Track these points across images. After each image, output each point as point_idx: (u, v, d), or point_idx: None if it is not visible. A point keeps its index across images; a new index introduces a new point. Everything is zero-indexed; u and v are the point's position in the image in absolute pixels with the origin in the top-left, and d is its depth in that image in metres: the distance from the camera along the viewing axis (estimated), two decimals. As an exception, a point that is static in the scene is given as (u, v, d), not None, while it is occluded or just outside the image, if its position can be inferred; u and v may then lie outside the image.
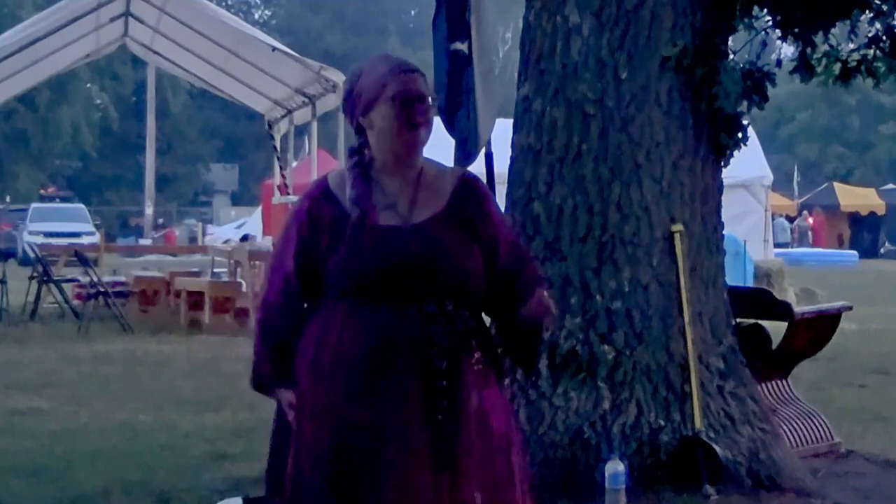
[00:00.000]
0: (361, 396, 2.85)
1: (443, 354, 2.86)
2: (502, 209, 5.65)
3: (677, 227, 5.57)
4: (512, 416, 3.12)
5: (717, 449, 5.32)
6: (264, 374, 3.11)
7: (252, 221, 29.56)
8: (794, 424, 6.44)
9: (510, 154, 5.89)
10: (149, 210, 23.48)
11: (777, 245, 27.47)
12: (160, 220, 34.48)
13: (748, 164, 19.09)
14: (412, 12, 62.00)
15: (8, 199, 42.16)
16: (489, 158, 6.04)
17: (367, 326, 2.88)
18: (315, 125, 17.10)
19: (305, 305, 3.03)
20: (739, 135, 5.82)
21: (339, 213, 2.97)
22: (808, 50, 5.95)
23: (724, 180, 5.99)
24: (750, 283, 14.82)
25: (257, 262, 14.74)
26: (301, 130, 19.91)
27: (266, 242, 15.66)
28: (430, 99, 3.02)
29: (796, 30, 5.89)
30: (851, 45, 6.20)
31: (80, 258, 14.20)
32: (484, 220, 3.02)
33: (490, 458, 2.93)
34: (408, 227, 2.94)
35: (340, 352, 2.88)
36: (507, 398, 3.13)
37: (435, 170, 3.07)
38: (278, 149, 18.42)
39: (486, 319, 3.11)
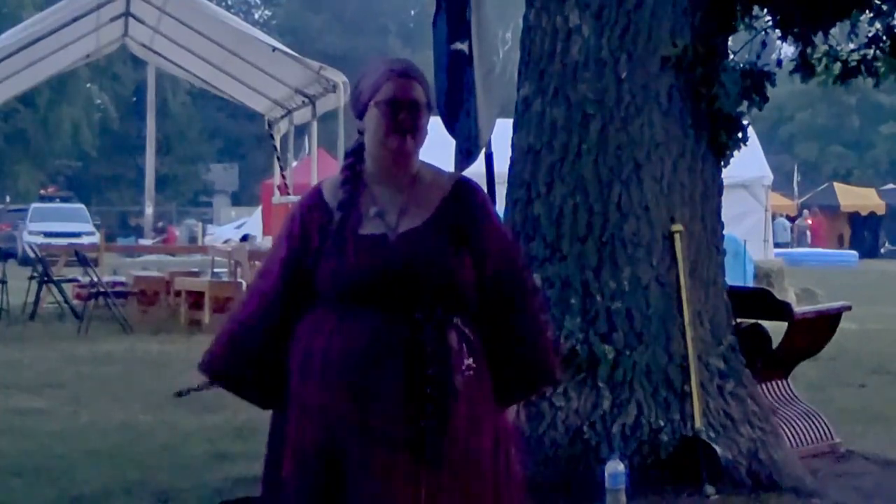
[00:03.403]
0: (349, 400, 2.84)
1: (429, 361, 2.84)
2: (503, 209, 5.71)
3: (677, 227, 5.57)
4: (507, 423, 3.06)
5: (717, 449, 5.32)
6: (220, 370, 3.13)
7: (252, 221, 29.54)
8: (794, 424, 6.44)
9: (510, 154, 5.89)
10: (149, 210, 23.52)
11: (777, 245, 27.48)
12: (160, 223, 34.43)
13: (748, 164, 19.10)
14: (412, 12, 61.98)
15: (8, 199, 42.16)
16: (489, 158, 6.05)
17: (355, 333, 2.86)
18: (315, 125, 17.11)
19: (297, 306, 2.98)
20: (739, 135, 5.82)
21: (329, 219, 2.94)
22: (808, 50, 5.95)
23: (724, 180, 6.00)
24: (750, 283, 14.81)
25: (257, 262, 14.75)
26: (301, 130, 19.90)
27: (266, 242, 15.67)
28: (424, 106, 2.95)
29: (796, 30, 5.89)
30: (851, 45, 6.20)
31: (80, 258, 14.20)
32: (475, 228, 2.96)
33: (480, 464, 2.90)
34: (393, 235, 2.90)
35: (329, 357, 2.87)
36: (501, 406, 3.05)
37: (431, 175, 3.02)
38: (278, 149, 18.43)
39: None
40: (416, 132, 2.95)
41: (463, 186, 3.02)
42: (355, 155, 3.01)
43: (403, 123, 2.92)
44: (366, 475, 2.82)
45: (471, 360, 2.91)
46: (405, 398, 2.82)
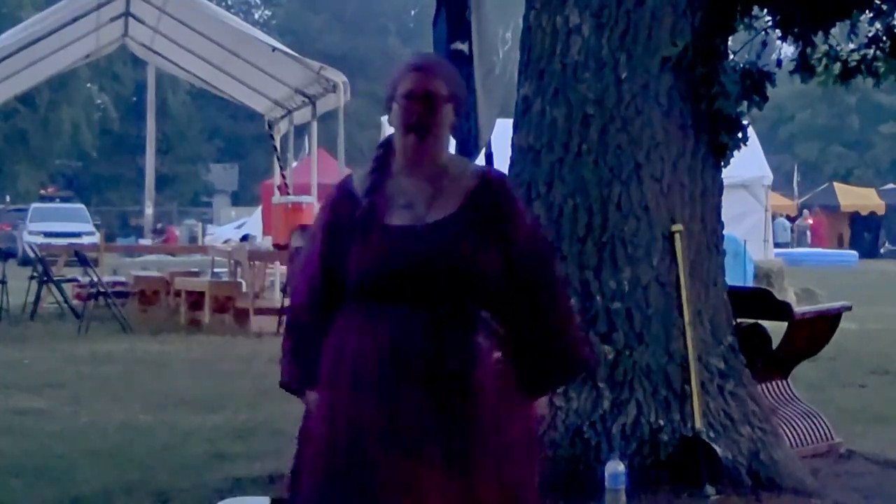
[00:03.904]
0: (374, 400, 2.84)
1: (454, 355, 2.84)
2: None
3: (677, 227, 5.57)
4: (534, 417, 3.06)
5: (717, 449, 5.32)
6: (292, 375, 3.09)
7: (252, 221, 29.55)
8: (794, 424, 6.44)
9: (510, 154, 5.89)
10: (149, 210, 23.50)
11: (777, 245, 27.47)
12: (158, 225, 34.44)
13: (748, 164, 19.09)
14: (412, 12, 61.98)
15: (8, 199, 42.16)
16: (489, 158, 6.05)
17: (381, 329, 2.86)
18: (315, 125, 17.09)
19: (332, 308, 3.00)
20: (739, 135, 5.82)
21: (357, 208, 2.96)
22: (808, 50, 5.95)
23: (724, 180, 5.99)
24: (750, 283, 14.82)
25: (257, 262, 14.76)
26: (301, 130, 19.90)
27: (266, 242, 15.66)
28: (442, 98, 2.95)
29: (796, 30, 5.89)
30: (851, 45, 6.20)
31: (80, 258, 14.21)
32: (502, 220, 2.96)
33: (508, 459, 2.90)
34: (421, 226, 2.91)
35: (355, 356, 2.87)
36: (531, 400, 3.05)
37: (459, 167, 3.04)
38: (278, 149, 18.42)
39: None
40: (433, 126, 2.96)
41: (491, 179, 3.03)
42: (386, 146, 3.03)
43: (422, 118, 2.94)
44: (391, 475, 2.81)
45: (499, 354, 2.90)
46: (430, 395, 2.82)
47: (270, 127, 18.68)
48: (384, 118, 25.67)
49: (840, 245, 37.48)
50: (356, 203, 2.97)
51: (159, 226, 34.86)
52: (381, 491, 2.82)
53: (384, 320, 2.87)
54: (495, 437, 2.87)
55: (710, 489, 5.25)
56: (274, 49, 15.43)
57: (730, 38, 5.98)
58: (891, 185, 41.53)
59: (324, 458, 2.91)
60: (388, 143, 3.04)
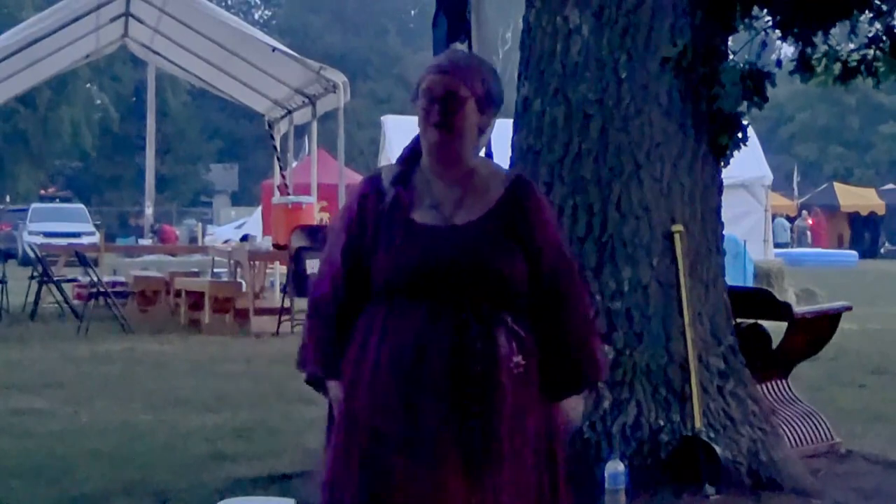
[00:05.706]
0: (395, 404, 2.84)
1: (476, 357, 2.84)
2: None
3: (677, 227, 5.57)
4: (556, 419, 3.05)
5: (717, 449, 5.32)
6: (318, 363, 3.06)
7: (252, 221, 29.56)
8: (794, 424, 6.44)
9: (510, 154, 5.89)
10: (149, 210, 23.47)
11: (777, 245, 27.48)
12: (155, 226, 34.45)
13: (748, 164, 19.12)
14: (412, 12, 62.02)
15: (8, 199, 42.19)
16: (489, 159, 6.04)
17: (403, 330, 2.86)
18: (315, 125, 17.10)
19: (356, 303, 3.00)
20: (739, 135, 5.82)
21: (384, 202, 2.98)
22: (808, 50, 5.94)
23: (724, 180, 5.99)
24: (750, 283, 14.82)
25: (257, 262, 14.76)
26: (301, 130, 19.90)
27: (266, 242, 15.66)
28: (463, 99, 2.95)
29: (796, 30, 5.89)
30: (851, 45, 6.20)
31: (80, 258, 14.21)
32: (530, 226, 2.97)
33: (525, 463, 2.89)
34: (447, 227, 2.92)
35: (377, 357, 2.88)
36: (549, 403, 3.04)
37: (488, 171, 3.05)
38: (278, 149, 18.42)
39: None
40: (452, 125, 2.96)
41: (520, 184, 3.04)
42: (416, 143, 3.04)
43: (441, 118, 2.95)
44: (412, 479, 2.81)
45: (519, 358, 2.90)
46: (450, 397, 2.81)
47: (270, 127, 18.68)
48: (384, 118, 25.75)
49: (840, 245, 37.50)
50: (383, 197, 2.99)
51: (155, 227, 34.85)
52: (404, 494, 2.82)
53: (407, 318, 2.87)
54: (511, 441, 2.87)
55: (710, 489, 5.25)
56: (274, 49, 15.43)
57: (730, 38, 5.98)
58: (891, 185, 41.55)
59: (340, 466, 2.90)
60: (418, 140, 3.05)
